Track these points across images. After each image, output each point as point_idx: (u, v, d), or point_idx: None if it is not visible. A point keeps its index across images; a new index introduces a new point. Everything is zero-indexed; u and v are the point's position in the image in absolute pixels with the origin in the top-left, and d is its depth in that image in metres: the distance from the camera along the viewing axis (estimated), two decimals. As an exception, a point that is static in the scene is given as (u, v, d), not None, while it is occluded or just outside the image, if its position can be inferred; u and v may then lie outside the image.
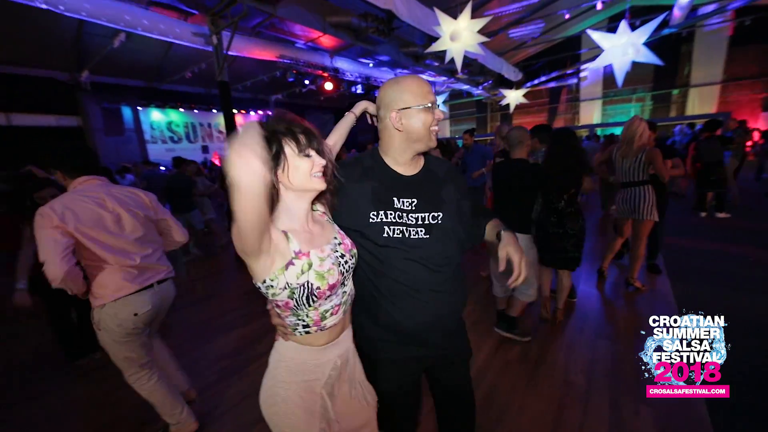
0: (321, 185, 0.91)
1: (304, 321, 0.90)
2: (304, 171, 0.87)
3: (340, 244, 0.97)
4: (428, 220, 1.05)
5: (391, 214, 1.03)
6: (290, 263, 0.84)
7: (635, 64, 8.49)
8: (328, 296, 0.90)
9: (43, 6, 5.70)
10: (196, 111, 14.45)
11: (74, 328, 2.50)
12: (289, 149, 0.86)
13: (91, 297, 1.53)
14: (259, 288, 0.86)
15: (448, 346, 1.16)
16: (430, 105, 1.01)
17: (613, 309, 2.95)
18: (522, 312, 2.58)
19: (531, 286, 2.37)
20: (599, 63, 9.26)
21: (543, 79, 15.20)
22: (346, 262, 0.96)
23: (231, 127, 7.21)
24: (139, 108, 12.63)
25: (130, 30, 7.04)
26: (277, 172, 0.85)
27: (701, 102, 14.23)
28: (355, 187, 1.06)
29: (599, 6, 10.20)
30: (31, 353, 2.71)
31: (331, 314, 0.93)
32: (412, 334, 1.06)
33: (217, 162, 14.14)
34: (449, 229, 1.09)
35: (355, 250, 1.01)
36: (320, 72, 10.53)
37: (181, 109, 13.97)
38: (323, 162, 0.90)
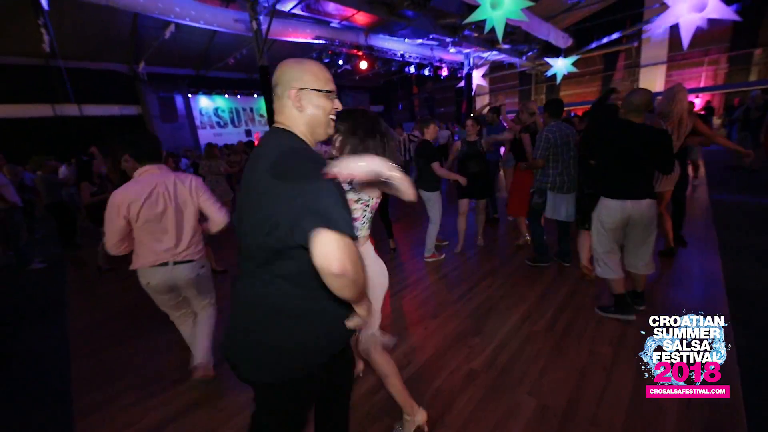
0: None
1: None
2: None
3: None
4: None
5: None
6: None
7: (708, 21, 7.42)
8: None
9: (103, 2, 6.19)
10: (239, 96, 15.09)
11: None
12: None
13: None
14: None
15: None
16: (330, 91, 1.04)
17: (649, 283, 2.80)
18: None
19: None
20: (663, 23, 8.23)
21: (596, 45, 13.81)
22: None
23: (271, 109, 7.50)
24: (189, 95, 13.45)
25: (179, 21, 7.43)
26: None
27: (792, 61, 12.19)
28: None
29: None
30: (120, 308, 3.19)
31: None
32: None
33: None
34: None
35: None
36: (355, 51, 10.45)
37: (226, 95, 14.68)
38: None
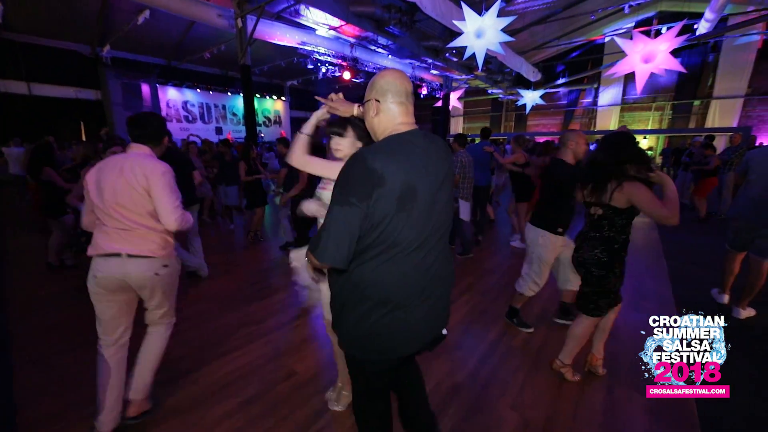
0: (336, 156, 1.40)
1: None
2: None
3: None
4: None
5: None
6: None
7: (663, 70, 8.33)
8: None
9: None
10: (211, 92, 14.54)
11: None
12: None
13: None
14: None
15: None
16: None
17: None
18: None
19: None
20: (619, 69, 9.14)
21: (561, 81, 15.02)
22: None
23: (250, 110, 7.30)
24: (157, 85, 12.73)
25: (156, 8, 7.10)
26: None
27: (722, 115, 13.96)
28: None
29: (627, 10, 10.01)
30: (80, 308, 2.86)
31: None
32: None
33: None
34: None
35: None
36: (339, 61, 10.53)
37: (198, 89, 14.08)
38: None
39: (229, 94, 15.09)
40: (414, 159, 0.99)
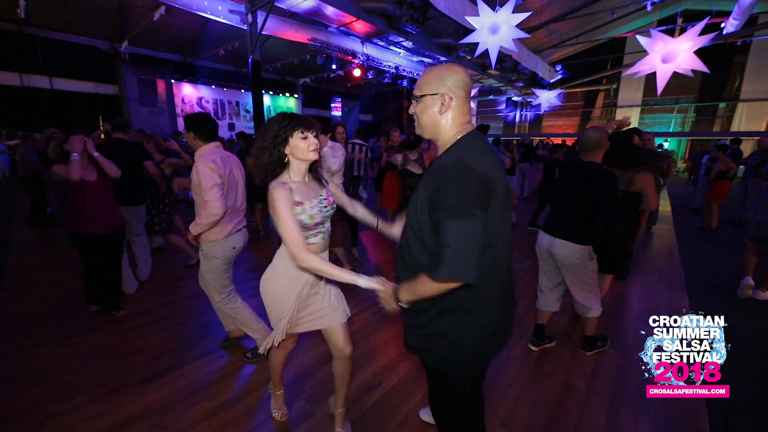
0: (314, 156, 1.32)
1: None
2: (303, 148, 1.29)
3: (325, 199, 1.38)
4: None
5: None
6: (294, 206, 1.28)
7: (681, 72, 7.95)
8: (314, 228, 1.35)
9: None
10: (225, 89, 14.70)
11: (99, 282, 2.63)
12: (295, 135, 1.29)
13: (204, 235, 1.98)
14: None
15: None
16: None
17: (614, 315, 2.83)
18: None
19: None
20: (639, 69, 8.75)
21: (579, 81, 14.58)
22: (327, 210, 1.39)
23: (259, 106, 7.29)
24: (172, 81, 12.95)
25: (170, 3, 7.16)
26: (285, 149, 1.29)
27: (749, 118, 13.28)
28: None
29: (649, 7, 9.59)
30: (55, 302, 2.86)
31: (314, 236, 1.37)
32: None
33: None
34: (407, 224, 1.09)
35: (335, 204, 1.44)
36: (350, 57, 10.46)
37: (212, 86, 14.26)
38: (316, 142, 1.31)
39: (242, 91, 15.23)
40: (494, 156, 1.00)
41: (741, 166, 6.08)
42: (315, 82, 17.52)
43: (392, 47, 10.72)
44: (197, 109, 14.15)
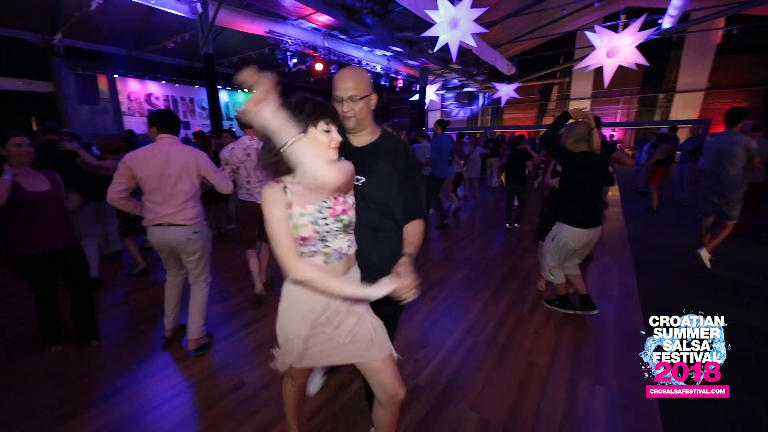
0: (334, 156, 1.07)
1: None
2: (324, 143, 1.05)
3: (328, 208, 1.09)
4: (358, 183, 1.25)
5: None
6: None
7: (626, 66, 8.53)
8: (302, 244, 1.07)
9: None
10: (177, 84, 13.80)
11: (56, 314, 2.26)
12: (319, 126, 1.06)
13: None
14: None
15: None
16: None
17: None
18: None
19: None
20: (588, 63, 9.29)
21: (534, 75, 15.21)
22: (326, 223, 1.08)
23: (214, 102, 6.94)
24: (116, 76, 11.95)
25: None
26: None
27: (684, 108, 14.57)
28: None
29: (596, 4, 10.17)
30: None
31: (308, 256, 1.09)
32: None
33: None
34: (367, 195, 1.24)
35: (344, 216, 1.12)
36: (310, 51, 10.20)
37: (162, 81, 13.32)
38: (339, 138, 1.08)
39: (196, 86, 14.37)
40: None
41: (677, 152, 6.66)
42: (275, 77, 16.93)
43: (354, 42, 10.57)
44: (146, 107, 13.18)
